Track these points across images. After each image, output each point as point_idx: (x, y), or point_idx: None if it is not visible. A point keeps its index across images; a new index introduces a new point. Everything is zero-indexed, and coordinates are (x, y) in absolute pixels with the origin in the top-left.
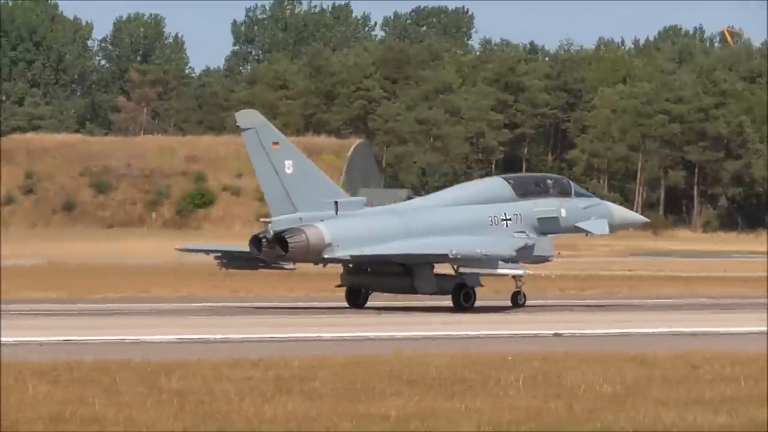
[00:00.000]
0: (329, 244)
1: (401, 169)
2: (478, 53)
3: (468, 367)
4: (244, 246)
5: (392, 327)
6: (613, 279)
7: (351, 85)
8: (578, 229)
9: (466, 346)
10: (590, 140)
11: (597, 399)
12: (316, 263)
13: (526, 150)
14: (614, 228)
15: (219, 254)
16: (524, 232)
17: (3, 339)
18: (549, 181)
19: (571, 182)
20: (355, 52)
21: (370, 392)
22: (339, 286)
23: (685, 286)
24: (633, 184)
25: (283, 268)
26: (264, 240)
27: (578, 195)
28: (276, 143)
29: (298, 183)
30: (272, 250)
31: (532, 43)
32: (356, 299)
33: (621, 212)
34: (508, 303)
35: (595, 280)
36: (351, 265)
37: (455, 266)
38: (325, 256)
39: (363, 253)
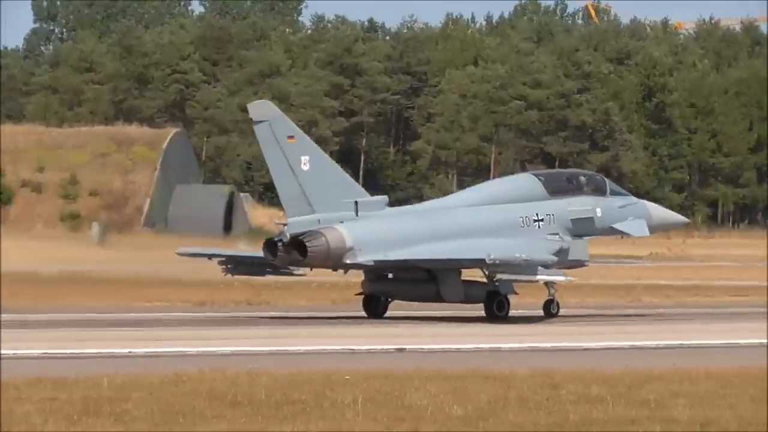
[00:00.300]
0: (351, 248)
1: (223, 162)
2: (309, 32)
3: (300, 387)
4: (253, 250)
5: (217, 342)
6: None
7: (166, 68)
8: (615, 231)
9: (300, 363)
10: (436, 130)
11: (446, 422)
12: (335, 269)
13: (364, 141)
14: (653, 229)
15: (223, 259)
16: (557, 234)
17: None
18: (582, 178)
19: (606, 179)
20: (171, 30)
21: (188, 415)
22: (360, 294)
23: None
24: (485, 179)
25: (293, 274)
26: (280, 244)
27: (613, 193)
28: (291, 137)
29: (316, 181)
30: (289, 255)
31: (370, 21)
32: (375, 308)
33: (660, 212)
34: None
35: None
36: (373, 271)
37: (488, 272)
38: (347, 262)
39: (387, 258)
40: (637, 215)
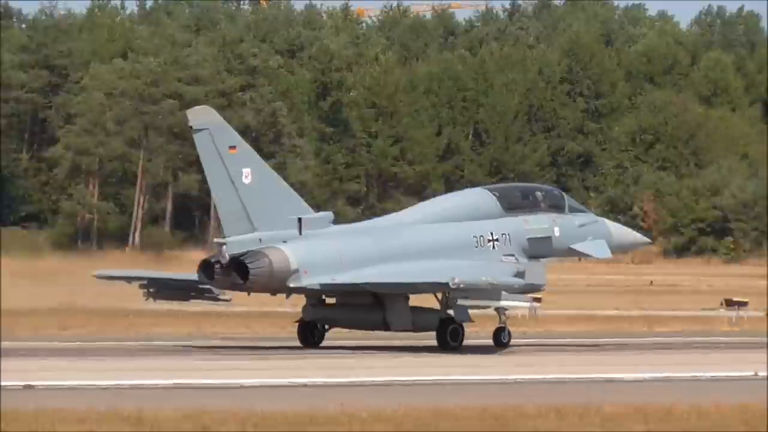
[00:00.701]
0: (295, 271)
1: None
2: None
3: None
4: (174, 272)
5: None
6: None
7: None
8: (574, 252)
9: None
10: (77, 133)
11: None
12: (276, 293)
13: None
14: (613, 250)
15: (145, 282)
16: (513, 255)
17: None
18: (539, 193)
19: (564, 195)
20: None
21: None
22: (298, 321)
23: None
24: (131, 190)
25: (218, 299)
26: (217, 266)
27: (572, 210)
28: (233, 147)
29: (257, 195)
30: (227, 278)
31: (5, 6)
32: (311, 337)
33: (620, 231)
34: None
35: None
36: (315, 296)
37: (441, 298)
38: (290, 285)
39: (335, 281)
40: (597, 235)
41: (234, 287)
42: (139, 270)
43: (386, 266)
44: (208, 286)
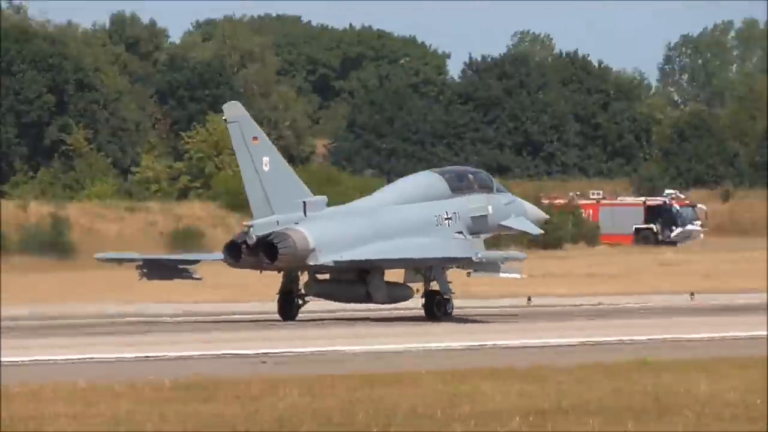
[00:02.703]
0: (313, 250)
1: None
2: None
3: None
4: (167, 253)
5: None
6: None
7: None
8: (504, 228)
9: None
10: None
11: None
12: (294, 272)
13: None
14: None
15: (140, 263)
16: (461, 232)
17: None
18: (471, 176)
19: (491, 176)
20: None
21: None
22: (303, 295)
23: None
24: None
25: (192, 278)
26: (244, 246)
27: (498, 191)
28: (255, 138)
29: (275, 182)
30: (254, 258)
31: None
32: (290, 310)
33: (532, 209)
34: None
35: None
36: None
37: (425, 272)
38: (310, 263)
39: (344, 258)
40: (518, 212)
41: (259, 267)
42: (133, 253)
43: (387, 243)
44: (185, 267)
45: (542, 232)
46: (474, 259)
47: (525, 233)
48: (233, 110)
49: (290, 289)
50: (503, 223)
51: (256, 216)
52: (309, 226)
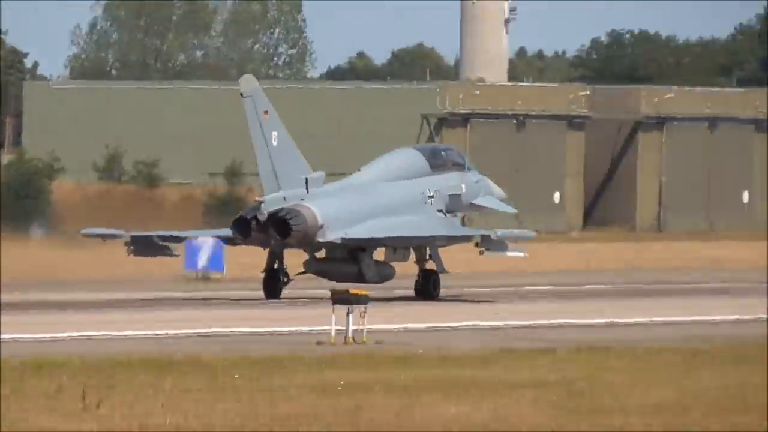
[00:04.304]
0: (322, 226)
1: None
2: None
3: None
4: (155, 230)
5: None
6: None
7: None
8: (476, 207)
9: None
10: None
11: None
12: (304, 247)
13: None
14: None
15: (128, 239)
16: (442, 210)
17: None
18: (445, 153)
19: (463, 153)
20: None
21: None
22: (301, 273)
23: None
24: None
25: (171, 255)
26: (254, 222)
27: (468, 169)
28: (266, 112)
29: (282, 157)
30: (264, 234)
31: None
32: (274, 289)
33: (495, 188)
34: None
35: None
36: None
37: (422, 250)
38: (319, 240)
39: (352, 236)
40: (486, 191)
41: (268, 243)
42: (120, 229)
43: (389, 220)
44: (165, 244)
45: (517, 211)
46: (493, 237)
47: (499, 212)
48: (248, 84)
49: (275, 267)
50: (474, 202)
51: (267, 191)
52: (316, 203)
